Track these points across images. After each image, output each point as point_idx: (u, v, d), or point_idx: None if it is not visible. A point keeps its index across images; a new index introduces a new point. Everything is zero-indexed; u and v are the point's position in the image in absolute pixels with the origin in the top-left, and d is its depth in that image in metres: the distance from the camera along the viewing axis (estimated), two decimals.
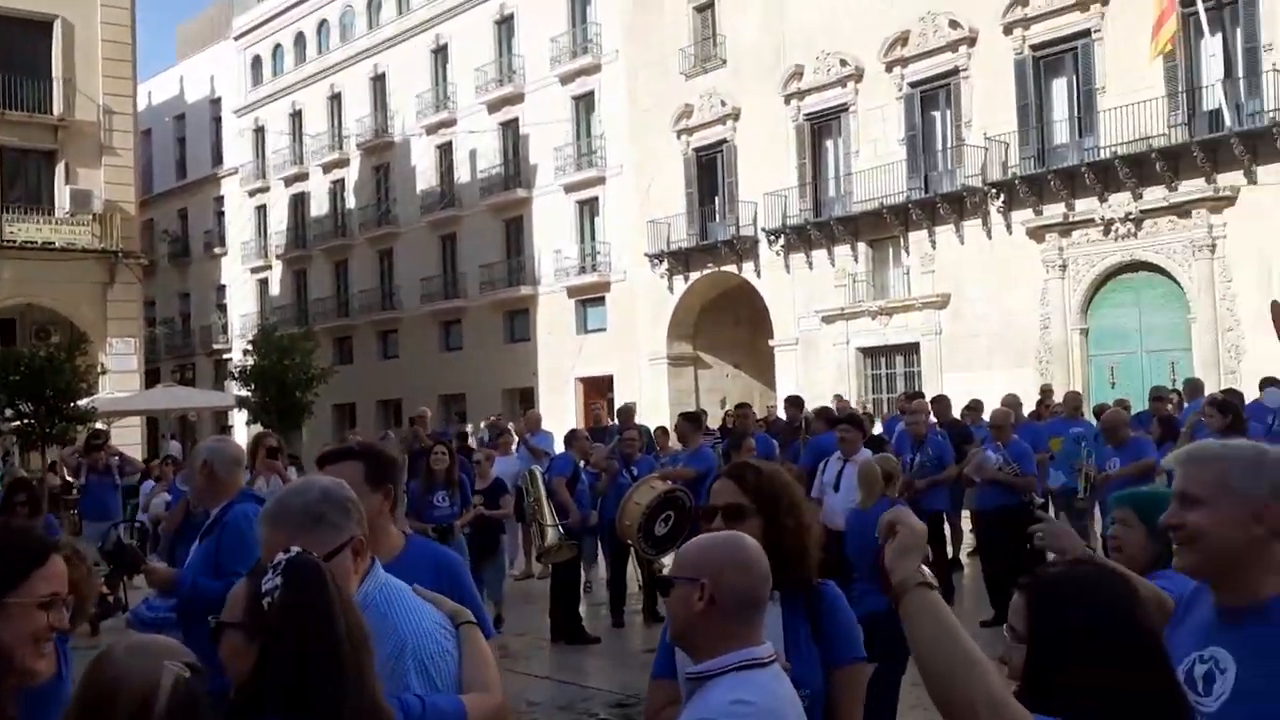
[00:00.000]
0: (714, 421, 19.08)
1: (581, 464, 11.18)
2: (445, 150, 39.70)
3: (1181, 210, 22.09)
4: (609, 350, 33.95)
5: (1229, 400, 8.99)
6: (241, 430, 33.86)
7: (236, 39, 48.02)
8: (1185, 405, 11.56)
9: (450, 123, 39.16)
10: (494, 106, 37.57)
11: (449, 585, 2.89)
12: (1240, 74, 21.48)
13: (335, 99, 43.75)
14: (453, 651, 2.39)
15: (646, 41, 32.51)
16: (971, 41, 25.39)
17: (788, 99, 29.10)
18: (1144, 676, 1.83)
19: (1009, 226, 24.94)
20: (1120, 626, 1.86)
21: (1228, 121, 21.15)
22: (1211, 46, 21.08)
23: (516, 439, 14.93)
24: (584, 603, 11.19)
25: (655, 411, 26.71)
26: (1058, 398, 15.05)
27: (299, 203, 45.57)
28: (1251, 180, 21.23)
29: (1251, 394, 10.60)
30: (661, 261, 32.18)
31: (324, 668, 1.90)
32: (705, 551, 2.18)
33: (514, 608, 11.20)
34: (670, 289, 32.45)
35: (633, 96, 32.95)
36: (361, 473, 2.84)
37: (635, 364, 33.05)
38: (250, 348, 31.60)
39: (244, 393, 30.19)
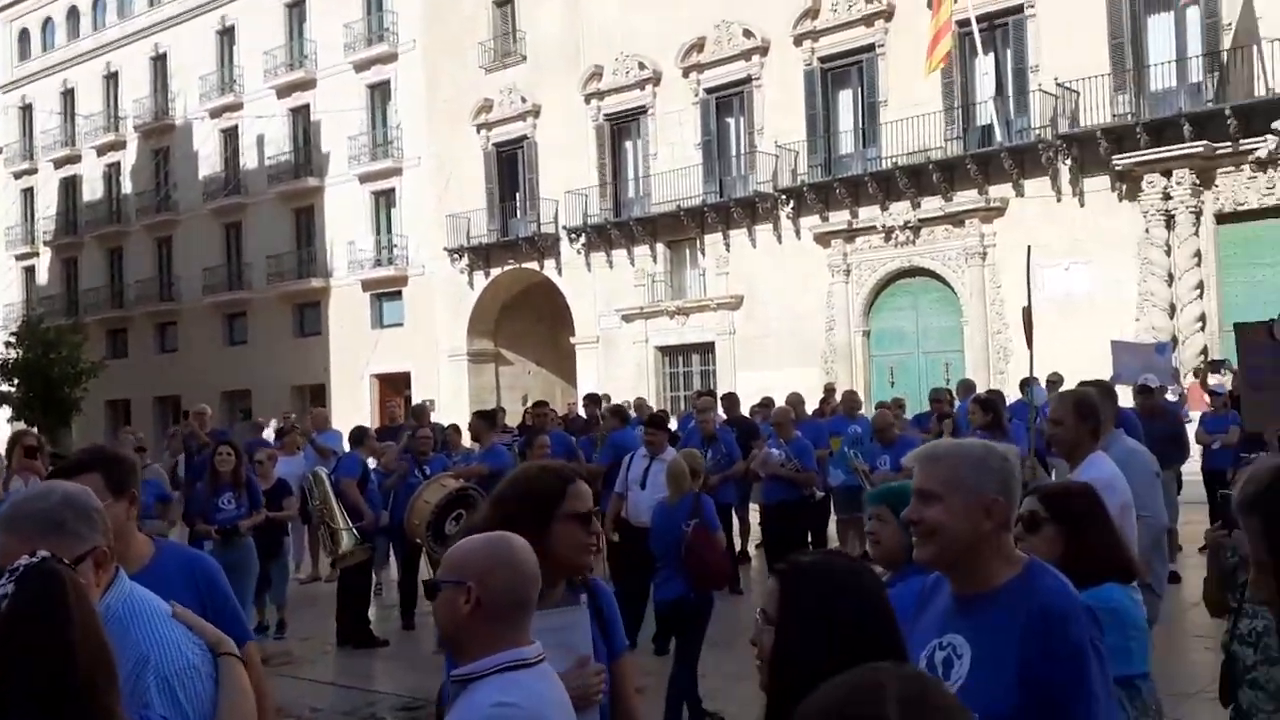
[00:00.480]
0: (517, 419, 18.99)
1: (371, 463, 10.90)
2: (231, 135, 38.02)
3: (956, 219, 23.43)
4: (406, 346, 33.30)
5: (990, 399, 9.57)
6: (3, 428, 31.46)
7: (2, 10, 44.57)
8: (958, 404, 12.24)
9: (236, 106, 37.53)
10: (284, 91, 36.22)
11: (205, 590, 2.75)
12: (1010, 92, 22.95)
13: (111, 78, 41.24)
14: (202, 668, 2.25)
15: (445, 32, 32.04)
16: (764, 51, 26.20)
17: (588, 98, 29.27)
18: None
19: (798, 232, 25.85)
20: (865, 615, 1.93)
21: (998, 137, 22.57)
22: (984, 65, 22.44)
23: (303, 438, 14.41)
24: (373, 605, 10.90)
25: (456, 409, 26.36)
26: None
27: (70, 186, 42.75)
28: (1020, 193, 22.71)
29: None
30: (461, 256, 31.80)
31: (51, 680, 1.77)
32: (471, 554, 2.15)
33: (299, 612, 10.79)
34: (471, 284, 32.10)
35: (431, 87, 32.41)
36: (101, 482, 2.66)
37: (434, 360, 32.54)
38: (13, 340, 29.37)
39: (6, 388, 28.05)
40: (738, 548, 12.09)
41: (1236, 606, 3.22)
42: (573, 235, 29.47)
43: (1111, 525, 3.22)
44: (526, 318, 32.60)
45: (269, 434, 15.84)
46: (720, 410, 13.00)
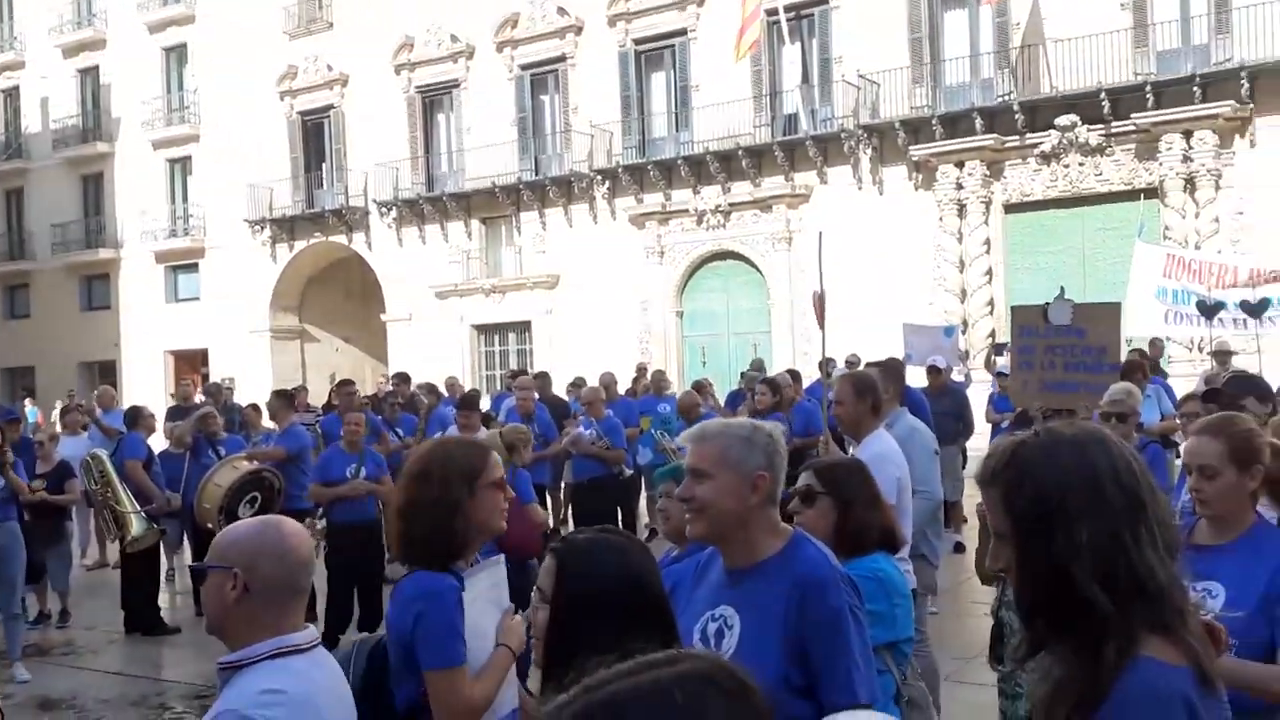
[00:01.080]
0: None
1: (163, 443, 10.39)
2: (11, 96, 35.44)
3: (764, 205, 24.03)
4: (204, 321, 31.84)
5: (775, 380, 9.89)
6: None
7: None
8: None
9: (17, 65, 34.96)
10: (70, 51, 33.96)
11: None
12: (816, 82, 23.66)
13: None
14: None
15: None
16: (579, 30, 26.17)
17: (398, 69, 28.60)
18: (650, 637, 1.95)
19: (613, 212, 26.00)
20: (632, 590, 1.97)
21: (804, 125, 23.25)
22: (791, 55, 23.04)
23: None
24: (164, 591, 10.45)
25: (259, 387, 25.37)
26: (671, 376, 15.92)
27: None
28: (824, 180, 23.47)
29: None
30: (263, 229, 30.61)
31: None
32: (238, 540, 2.08)
33: (84, 599, 10.28)
34: (274, 258, 30.94)
35: (231, 52, 30.96)
36: None
37: (234, 336, 31.23)
38: None
39: None
40: (549, 526, 12.13)
41: (1003, 575, 3.42)
42: (383, 209, 28.78)
43: (879, 498, 3.37)
44: (334, 293, 31.68)
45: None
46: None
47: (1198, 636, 1.58)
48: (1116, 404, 5.74)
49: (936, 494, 5.87)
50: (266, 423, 12.24)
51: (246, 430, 12.26)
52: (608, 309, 25.69)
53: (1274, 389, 5.67)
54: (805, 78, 23.39)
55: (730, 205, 24.37)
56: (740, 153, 23.74)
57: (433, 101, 28.71)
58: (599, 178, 25.79)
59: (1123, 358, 13.77)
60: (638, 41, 25.51)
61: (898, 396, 6.23)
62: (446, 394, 16.26)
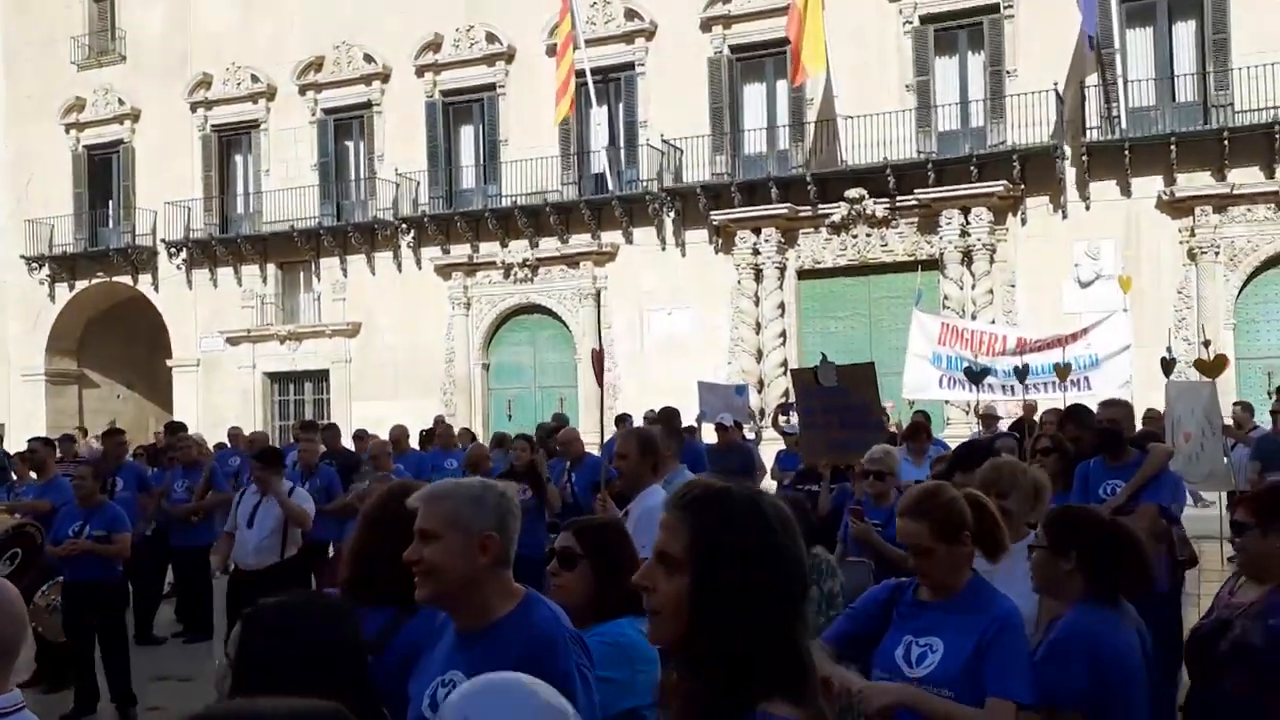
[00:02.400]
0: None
1: None
2: None
3: (571, 261, 24.21)
4: None
5: (540, 432, 9.96)
6: None
7: None
8: None
9: None
10: None
11: None
12: (622, 144, 24.12)
13: None
14: None
15: (32, 21, 29.11)
16: (385, 78, 25.91)
17: (194, 107, 27.58)
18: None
19: (419, 262, 25.67)
20: (316, 654, 1.92)
21: (610, 186, 23.63)
22: (599, 117, 23.44)
23: None
24: None
25: (31, 434, 23.62)
26: (476, 429, 15.64)
27: None
28: (629, 240, 23.86)
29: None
30: (41, 266, 28.77)
31: None
32: None
33: None
34: (52, 297, 29.09)
35: (12, 80, 29.21)
36: None
37: (4, 379, 29.09)
38: None
39: None
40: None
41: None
42: (173, 249, 27.53)
43: (636, 561, 3.34)
44: (117, 336, 29.97)
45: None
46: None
47: (825, 712, 1.65)
48: (875, 463, 6.00)
49: None
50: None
51: (10, 481, 11.36)
52: (411, 359, 25.25)
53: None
54: (612, 140, 23.82)
55: (538, 260, 24.45)
56: (548, 209, 23.91)
57: (230, 141, 27.78)
58: (404, 226, 25.45)
59: (895, 418, 14.45)
60: (446, 93, 25.43)
61: (676, 453, 6.32)
62: (229, 444, 15.58)
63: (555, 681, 2.25)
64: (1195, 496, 11.09)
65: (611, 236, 24.00)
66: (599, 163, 23.69)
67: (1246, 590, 3.39)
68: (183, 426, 13.60)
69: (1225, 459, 10.28)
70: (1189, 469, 9.23)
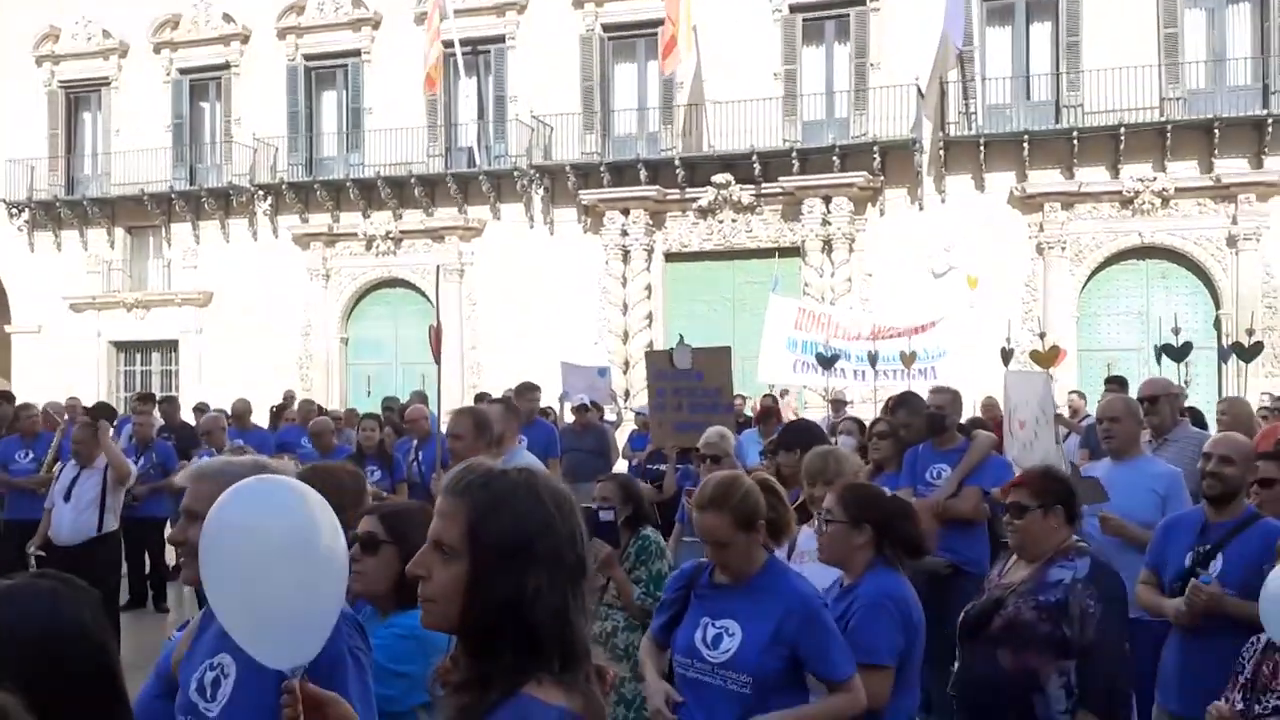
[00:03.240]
0: None
1: None
2: None
3: (436, 235, 23.80)
4: None
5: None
6: None
7: None
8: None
9: None
10: None
11: None
12: (491, 119, 23.77)
13: None
14: None
15: None
16: (245, 39, 24.98)
17: (40, 61, 26.15)
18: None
19: (275, 230, 24.88)
20: (52, 640, 1.84)
21: (478, 160, 23.28)
22: (467, 88, 23.04)
23: None
24: None
25: None
26: (334, 406, 15.20)
27: None
28: (496, 215, 23.57)
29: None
30: None
31: None
32: None
33: None
34: None
35: None
36: None
37: None
38: None
39: None
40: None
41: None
42: (14, 210, 26.08)
43: None
44: None
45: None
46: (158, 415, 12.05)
47: (595, 694, 1.65)
48: (711, 446, 6.03)
49: None
50: None
51: None
52: (265, 331, 24.47)
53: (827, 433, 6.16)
54: (481, 113, 23.46)
55: (401, 232, 23.95)
56: (413, 180, 23.43)
57: (78, 99, 26.43)
58: (261, 193, 24.62)
59: (751, 403, 14.61)
60: (309, 57, 24.65)
61: (515, 433, 6.24)
62: (68, 415, 14.82)
63: (324, 663, 2.16)
64: None
65: (478, 212, 23.66)
66: (467, 136, 23.31)
67: (1016, 570, 3.59)
68: (10, 396, 12.84)
69: (1058, 446, 10.67)
70: (1023, 455, 9.52)
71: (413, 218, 23.93)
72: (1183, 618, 3.84)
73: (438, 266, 6.39)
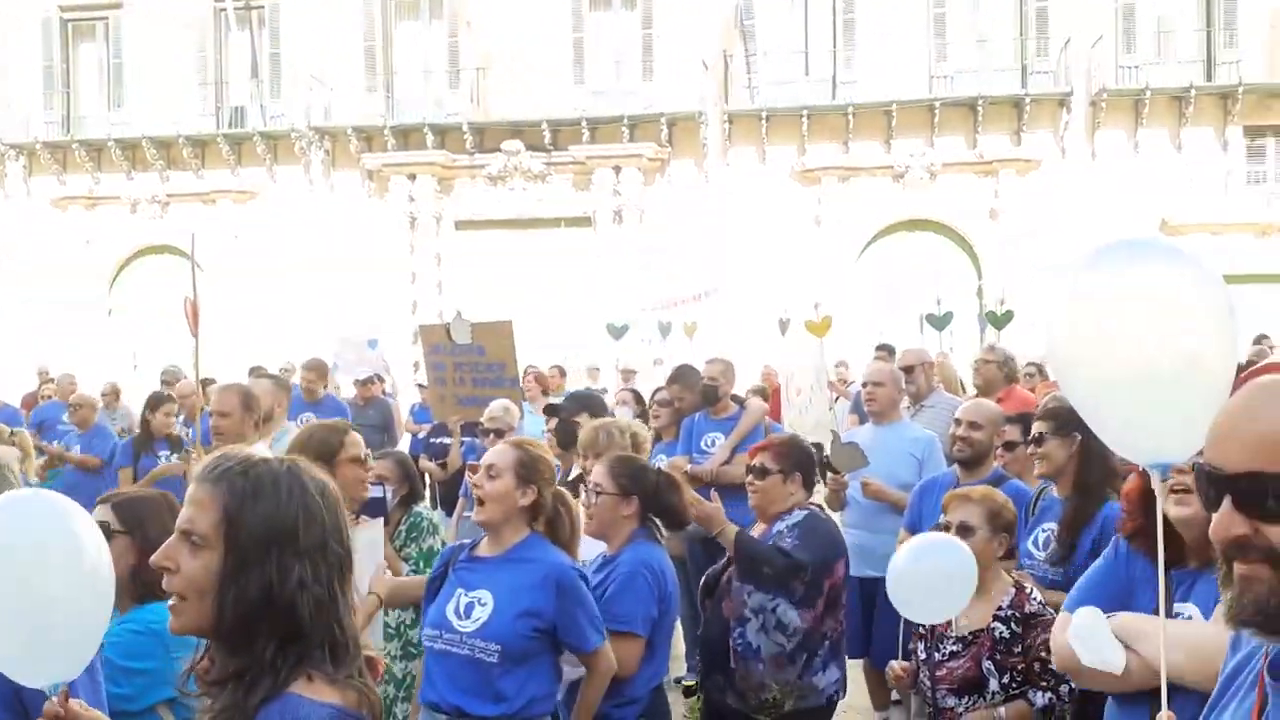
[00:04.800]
0: None
1: None
2: None
3: (207, 199, 22.58)
4: None
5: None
6: None
7: None
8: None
9: None
10: None
11: None
12: (266, 77, 22.65)
13: None
14: None
15: None
16: None
17: None
18: None
19: (29, 193, 23.06)
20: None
21: (253, 120, 22.17)
22: (239, 44, 21.87)
23: None
24: None
25: None
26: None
27: None
28: (274, 179, 22.54)
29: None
30: None
31: None
32: None
33: None
34: None
35: None
36: None
37: None
38: None
39: None
40: None
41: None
42: None
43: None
44: None
45: None
46: None
47: (368, 688, 1.61)
48: (495, 420, 5.95)
49: None
50: None
51: None
52: (23, 299, 22.64)
53: (607, 404, 6.22)
54: (255, 71, 22.33)
55: (169, 196, 22.60)
56: (182, 141, 22.13)
57: None
58: (12, 153, 22.73)
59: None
60: (64, 8, 22.84)
61: (285, 410, 5.97)
62: None
63: None
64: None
65: (253, 175, 22.59)
66: (240, 95, 22.16)
67: (754, 530, 3.83)
68: None
69: (830, 411, 11.11)
70: (799, 421, 9.89)
71: (182, 180, 22.61)
72: None
73: (192, 234, 5.99)
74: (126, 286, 23.42)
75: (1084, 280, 1.47)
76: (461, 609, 3.03)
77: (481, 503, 3.09)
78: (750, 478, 3.83)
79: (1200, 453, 1.22)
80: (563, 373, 12.30)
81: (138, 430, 8.19)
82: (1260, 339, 14.13)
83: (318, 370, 8.88)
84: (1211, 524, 1.18)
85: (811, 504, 3.83)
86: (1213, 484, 1.17)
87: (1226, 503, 1.16)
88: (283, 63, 22.39)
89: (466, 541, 3.26)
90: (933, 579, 3.12)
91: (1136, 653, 2.21)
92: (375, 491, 4.11)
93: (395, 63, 22.30)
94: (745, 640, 3.59)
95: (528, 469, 3.08)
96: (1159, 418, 1.44)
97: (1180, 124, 20.05)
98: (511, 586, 3.00)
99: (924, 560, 3.16)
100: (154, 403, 7.85)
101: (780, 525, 3.71)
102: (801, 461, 3.78)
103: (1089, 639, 2.32)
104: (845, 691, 3.85)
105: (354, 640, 1.62)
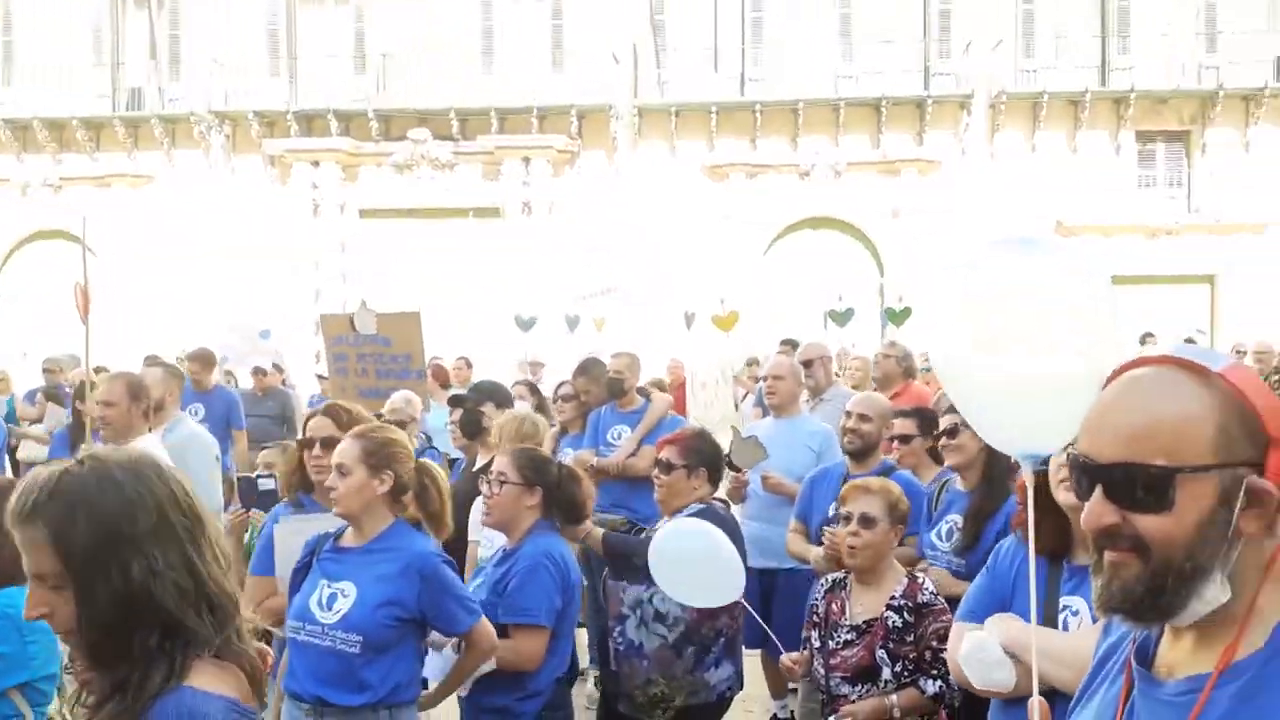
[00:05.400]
0: None
1: None
2: None
3: (102, 182, 21.88)
4: None
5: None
6: None
7: None
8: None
9: None
10: None
11: None
12: (164, 59, 22.00)
13: None
14: None
15: None
16: None
17: None
18: None
19: None
20: None
21: (150, 103, 21.54)
22: (137, 24, 21.20)
23: None
24: None
25: None
26: None
27: None
28: (171, 163, 21.93)
29: None
30: None
31: None
32: None
33: None
34: None
35: None
36: None
37: None
38: None
39: None
40: None
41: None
42: None
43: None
44: None
45: None
46: None
47: (251, 658, 1.60)
48: (396, 412, 5.88)
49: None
50: None
51: None
52: None
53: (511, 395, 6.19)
54: (153, 53, 21.68)
55: (62, 179, 21.84)
56: (76, 123, 21.39)
57: None
58: None
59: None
60: None
61: (177, 400, 5.81)
62: None
63: None
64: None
65: (151, 159, 21.94)
66: (137, 77, 21.51)
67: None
68: None
69: (735, 406, 11.23)
70: (705, 414, 9.99)
71: (76, 163, 21.86)
72: (820, 563, 4.11)
73: (83, 218, 5.79)
74: (17, 272, 22.57)
75: (958, 278, 1.52)
76: (324, 600, 2.99)
77: (335, 501, 3.08)
78: (656, 472, 3.85)
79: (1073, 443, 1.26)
80: (469, 364, 12.16)
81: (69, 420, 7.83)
82: (1146, 337, 14.68)
83: (202, 360, 8.64)
84: (1083, 513, 1.22)
85: (715, 499, 3.86)
86: (1085, 474, 1.20)
87: (1098, 492, 1.19)
88: (182, 45, 21.79)
89: (331, 531, 3.20)
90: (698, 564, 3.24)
91: (1024, 663, 2.27)
92: (263, 484, 4.04)
93: (299, 47, 21.85)
94: (626, 638, 3.61)
95: (377, 456, 3.04)
96: (1029, 410, 1.49)
97: (1076, 127, 20.69)
98: (373, 577, 2.97)
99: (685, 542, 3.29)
100: (82, 393, 7.57)
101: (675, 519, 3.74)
102: (707, 457, 3.82)
103: (977, 664, 2.39)
104: (741, 685, 3.89)
105: (230, 597, 1.59)
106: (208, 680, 1.52)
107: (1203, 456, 1.15)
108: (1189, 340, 13.34)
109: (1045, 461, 2.25)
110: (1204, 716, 1.15)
